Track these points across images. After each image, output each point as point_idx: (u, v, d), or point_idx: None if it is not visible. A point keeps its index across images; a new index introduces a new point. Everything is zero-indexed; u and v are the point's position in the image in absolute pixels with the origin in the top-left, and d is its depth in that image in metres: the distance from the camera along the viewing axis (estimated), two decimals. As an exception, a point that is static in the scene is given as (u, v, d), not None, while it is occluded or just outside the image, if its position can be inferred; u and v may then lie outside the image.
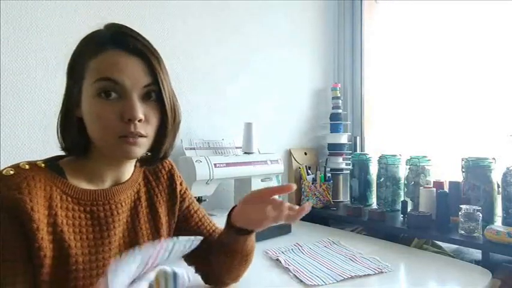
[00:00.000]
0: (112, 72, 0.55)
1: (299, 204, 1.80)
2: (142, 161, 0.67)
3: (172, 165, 0.77)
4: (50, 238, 0.55)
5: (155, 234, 0.69)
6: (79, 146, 0.60)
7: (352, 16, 1.94)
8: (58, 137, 0.60)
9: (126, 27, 0.60)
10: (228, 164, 1.23)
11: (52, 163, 0.59)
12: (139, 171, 0.70)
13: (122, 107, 0.56)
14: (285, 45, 1.75)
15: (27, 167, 0.55)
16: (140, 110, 0.56)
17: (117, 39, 0.57)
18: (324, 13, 1.93)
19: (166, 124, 0.62)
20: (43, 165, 0.57)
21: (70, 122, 0.59)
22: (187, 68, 1.37)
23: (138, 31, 0.60)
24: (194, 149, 1.28)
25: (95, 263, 0.59)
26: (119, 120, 0.56)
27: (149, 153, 0.64)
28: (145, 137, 0.58)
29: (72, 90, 0.58)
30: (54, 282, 0.54)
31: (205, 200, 1.25)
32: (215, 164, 1.19)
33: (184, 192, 0.77)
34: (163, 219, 0.71)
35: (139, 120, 0.56)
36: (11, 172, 0.53)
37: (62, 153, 0.62)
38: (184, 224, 0.76)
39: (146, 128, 0.58)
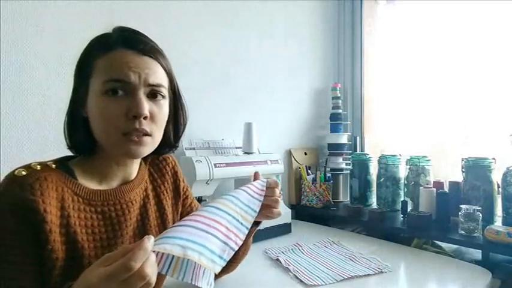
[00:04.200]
0: (121, 72, 0.55)
1: (299, 204, 1.79)
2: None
3: (175, 162, 0.78)
4: (63, 240, 0.54)
5: (162, 231, 0.69)
6: (85, 145, 0.60)
7: (352, 16, 1.94)
8: (65, 136, 0.60)
9: (134, 29, 0.61)
10: (228, 164, 1.23)
11: (62, 164, 0.59)
12: (145, 168, 0.70)
13: (127, 104, 0.55)
14: (285, 45, 1.75)
15: (38, 167, 0.54)
16: (146, 107, 0.56)
17: (127, 40, 0.57)
18: (324, 13, 1.93)
19: (174, 123, 0.63)
20: (54, 165, 0.57)
21: (76, 121, 0.59)
22: (186, 68, 1.37)
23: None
24: (194, 149, 1.27)
25: None
26: (124, 117, 0.55)
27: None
28: (149, 135, 0.58)
29: (79, 90, 0.58)
30: None
31: (205, 200, 1.25)
32: (215, 164, 1.18)
33: (187, 189, 0.79)
34: (169, 216, 0.72)
35: (145, 118, 0.56)
36: (23, 173, 0.52)
37: (71, 153, 0.62)
38: None
39: (151, 126, 0.58)
